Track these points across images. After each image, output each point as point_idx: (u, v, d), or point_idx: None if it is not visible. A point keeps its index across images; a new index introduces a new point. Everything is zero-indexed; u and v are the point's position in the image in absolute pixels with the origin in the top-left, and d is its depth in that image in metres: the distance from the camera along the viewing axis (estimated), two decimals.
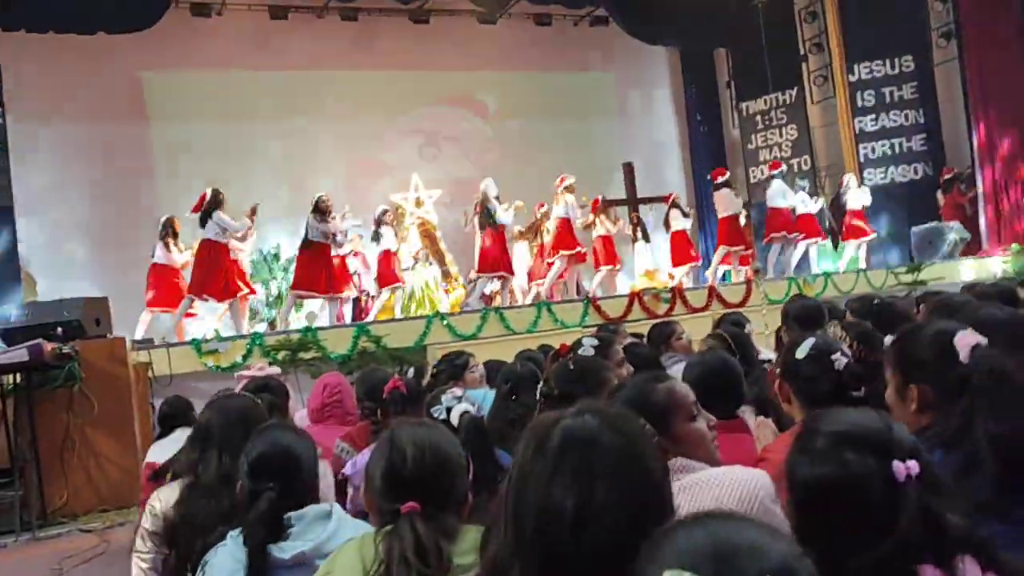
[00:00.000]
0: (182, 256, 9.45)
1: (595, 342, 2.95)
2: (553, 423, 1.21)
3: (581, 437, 1.18)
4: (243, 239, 9.81)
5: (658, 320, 4.34)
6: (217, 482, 2.39)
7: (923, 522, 1.22)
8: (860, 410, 1.39)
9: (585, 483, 1.13)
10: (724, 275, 12.16)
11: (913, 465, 1.24)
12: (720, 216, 11.97)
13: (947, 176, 13.48)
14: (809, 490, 1.31)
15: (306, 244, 9.48)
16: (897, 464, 1.24)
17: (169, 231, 9.45)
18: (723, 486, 1.71)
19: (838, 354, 2.36)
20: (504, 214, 10.45)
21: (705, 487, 1.72)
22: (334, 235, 9.61)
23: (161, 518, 2.48)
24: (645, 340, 4.52)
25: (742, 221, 12.44)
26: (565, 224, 10.87)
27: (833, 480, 1.28)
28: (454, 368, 3.97)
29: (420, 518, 1.67)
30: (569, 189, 10.99)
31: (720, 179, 12.00)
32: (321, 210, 9.40)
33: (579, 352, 2.87)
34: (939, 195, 13.41)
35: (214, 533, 2.14)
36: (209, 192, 9.09)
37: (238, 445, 2.26)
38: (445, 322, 9.11)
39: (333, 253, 9.85)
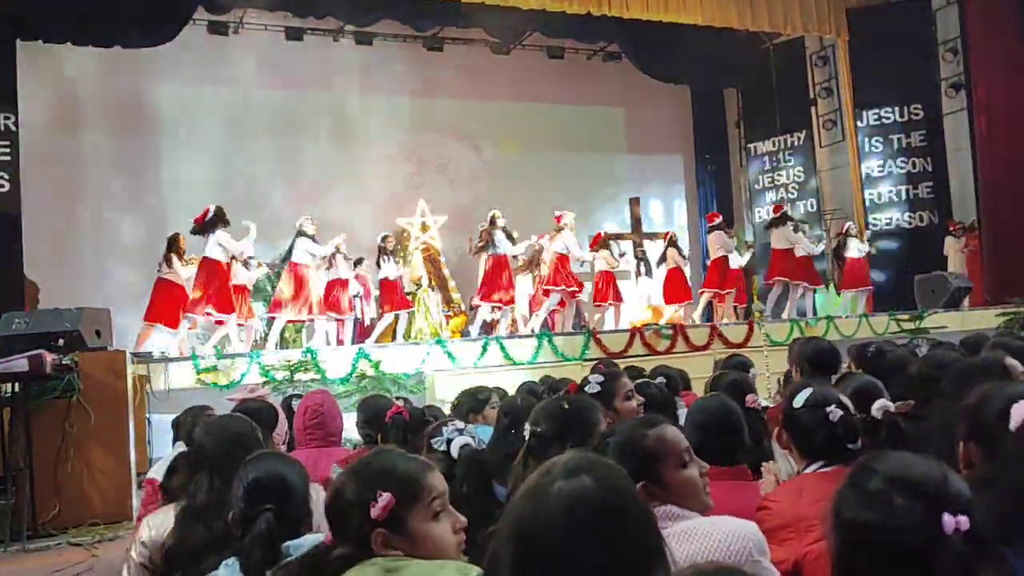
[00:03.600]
0: (185, 271, 9.47)
1: (600, 378, 2.93)
2: (550, 483, 1.19)
3: (586, 501, 1.16)
4: (245, 264, 9.86)
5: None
6: (211, 506, 2.34)
7: None
8: (918, 457, 1.33)
9: (598, 542, 1.13)
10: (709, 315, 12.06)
11: (964, 520, 1.19)
12: (711, 258, 12.05)
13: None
14: (852, 531, 1.27)
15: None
16: (947, 517, 1.19)
17: (174, 248, 9.47)
18: (711, 537, 1.68)
19: (833, 406, 2.33)
20: (507, 245, 10.46)
21: (693, 537, 1.69)
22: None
23: (149, 548, 2.43)
24: None
25: (738, 263, 12.41)
26: (560, 260, 10.80)
27: (876, 524, 1.24)
28: (476, 402, 3.93)
29: None
30: (568, 227, 10.91)
31: (715, 221, 12.18)
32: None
33: (585, 389, 2.85)
34: (950, 240, 13.31)
35: (207, 561, 2.10)
36: (212, 209, 9.14)
37: (232, 469, 2.22)
38: (445, 349, 9.09)
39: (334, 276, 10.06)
